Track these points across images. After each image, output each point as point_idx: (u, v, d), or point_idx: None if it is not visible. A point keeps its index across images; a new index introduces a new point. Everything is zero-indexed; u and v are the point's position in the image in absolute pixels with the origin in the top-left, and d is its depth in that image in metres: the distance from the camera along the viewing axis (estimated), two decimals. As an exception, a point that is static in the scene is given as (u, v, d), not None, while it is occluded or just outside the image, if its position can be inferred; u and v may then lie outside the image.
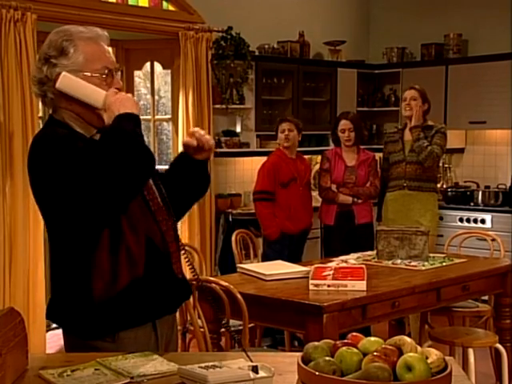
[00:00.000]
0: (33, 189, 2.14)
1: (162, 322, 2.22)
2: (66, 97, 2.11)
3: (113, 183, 1.94)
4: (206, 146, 2.34)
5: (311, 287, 3.55)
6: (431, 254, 4.45)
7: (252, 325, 4.16)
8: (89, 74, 2.11)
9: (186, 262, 2.25)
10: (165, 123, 6.93)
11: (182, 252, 2.27)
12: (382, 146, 5.69)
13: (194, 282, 3.24)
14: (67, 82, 2.09)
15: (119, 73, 2.21)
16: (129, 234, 2.09)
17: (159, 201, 2.22)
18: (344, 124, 5.40)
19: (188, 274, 2.46)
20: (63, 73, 2.09)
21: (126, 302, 2.10)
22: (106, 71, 2.13)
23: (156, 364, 1.93)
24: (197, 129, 2.35)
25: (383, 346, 1.64)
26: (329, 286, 3.54)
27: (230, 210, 6.42)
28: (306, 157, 5.87)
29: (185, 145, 2.33)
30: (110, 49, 2.21)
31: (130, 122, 2.01)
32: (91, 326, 2.11)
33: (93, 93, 2.09)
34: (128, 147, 1.97)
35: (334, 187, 5.42)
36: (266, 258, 5.21)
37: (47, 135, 2.11)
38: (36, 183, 2.11)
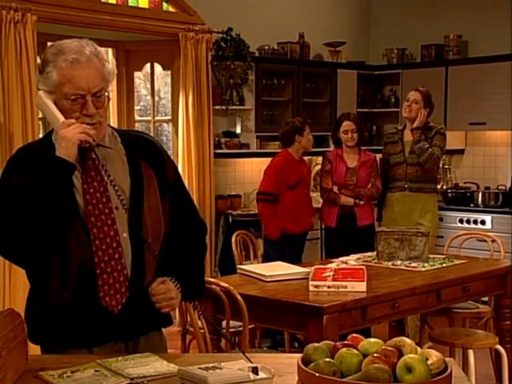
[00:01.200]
0: None
1: (105, 350, 2.14)
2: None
3: (25, 227, 2.02)
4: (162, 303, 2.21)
5: (311, 288, 3.55)
6: (431, 255, 4.45)
7: (252, 326, 4.16)
8: (58, 97, 2.10)
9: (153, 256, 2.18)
10: (165, 124, 6.93)
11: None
12: (382, 147, 5.69)
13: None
14: (38, 101, 2.14)
15: (105, 96, 2.12)
16: (56, 262, 2.09)
17: (116, 228, 2.13)
18: (347, 125, 5.40)
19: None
20: (39, 92, 2.13)
21: (54, 324, 2.13)
22: (74, 97, 2.07)
23: (156, 365, 1.93)
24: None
25: (383, 347, 1.63)
26: (329, 287, 3.54)
27: (229, 211, 6.42)
28: (306, 158, 5.88)
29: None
30: (100, 68, 2.10)
31: (55, 173, 2.04)
32: (35, 339, 2.18)
33: (52, 118, 2.12)
34: (44, 202, 2.01)
35: (335, 189, 5.42)
36: (267, 257, 5.22)
37: (15, 152, 2.25)
38: None
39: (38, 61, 5.41)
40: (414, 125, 5.29)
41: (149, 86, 6.69)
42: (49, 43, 5.81)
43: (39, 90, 2.13)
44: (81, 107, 2.09)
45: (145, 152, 2.24)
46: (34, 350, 2.15)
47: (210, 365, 1.82)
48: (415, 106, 5.29)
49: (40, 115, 5.44)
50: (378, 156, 5.70)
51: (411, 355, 1.58)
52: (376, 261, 4.36)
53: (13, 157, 2.21)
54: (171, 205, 2.26)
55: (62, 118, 2.08)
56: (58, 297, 2.11)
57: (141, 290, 2.17)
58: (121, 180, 2.16)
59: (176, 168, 2.36)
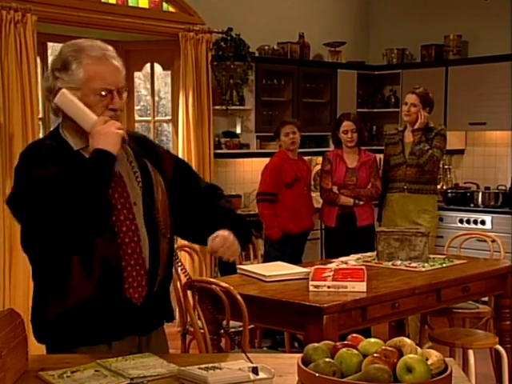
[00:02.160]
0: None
1: (122, 345, 2.17)
2: (63, 111, 2.14)
3: (65, 223, 2.00)
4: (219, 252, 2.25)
5: (311, 288, 3.55)
6: (431, 255, 4.44)
7: (252, 326, 4.16)
8: (87, 92, 2.11)
9: (178, 264, 2.23)
10: (165, 124, 6.93)
11: (174, 254, 2.26)
12: (382, 147, 5.69)
13: (195, 283, 3.25)
14: (63, 99, 2.12)
15: (125, 92, 2.20)
16: (79, 259, 2.09)
17: (136, 222, 2.18)
18: (346, 125, 5.40)
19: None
20: (62, 90, 2.11)
21: (76, 320, 2.12)
22: (104, 92, 2.12)
23: (156, 365, 1.93)
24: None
25: (383, 347, 1.63)
26: (329, 287, 3.54)
27: (230, 211, 6.40)
28: (306, 158, 5.88)
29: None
30: (120, 66, 2.18)
31: (102, 164, 2.05)
32: (49, 340, 2.18)
33: (83, 116, 2.11)
34: (87, 196, 2.01)
35: (335, 189, 5.42)
36: (268, 257, 5.23)
37: (30, 147, 2.19)
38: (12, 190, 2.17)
39: (38, 61, 5.43)
40: (415, 126, 5.29)
41: (149, 86, 6.69)
42: (49, 43, 5.85)
43: (59, 89, 2.11)
44: (107, 103, 2.14)
45: (147, 151, 2.32)
46: (34, 349, 2.15)
47: (210, 365, 1.82)
48: (414, 109, 5.28)
49: (40, 115, 5.45)
50: (379, 156, 5.71)
51: (411, 355, 1.58)
52: (376, 261, 4.36)
53: (30, 151, 2.16)
54: (173, 197, 2.32)
55: (94, 115, 2.10)
56: (82, 291, 2.10)
57: (155, 283, 2.22)
58: (131, 177, 2.22)
59: (173, 157, 2.44)
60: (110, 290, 2.13)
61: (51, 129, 2.26)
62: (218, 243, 2.20)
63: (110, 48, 2.18)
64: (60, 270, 2.10)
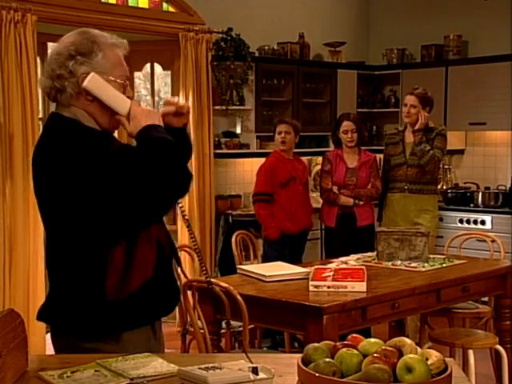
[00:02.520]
0: (42, 190, 2.10)
1: (158, 324, 2.25)
2: (88, 96, 2.10)
3: (150, 191, 1.96)
4: (185, 108, 2.28)
5: (311, 288, 3.55)
6: (431, 256, 4.45)
7: (252, 326, 4.16)
8: (112, 78, 2.12)
9: (200, 263, 2.29)
10: (165, 124, 6.92)
11: (197, 251, 2.36)
12: (382, 147, 5.69)
13: (195, 283, 3.25)
14: (95, 82, 2.09)
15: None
16: (143, 238, 2.11)
17: None
18: (347, 125, 5.39)
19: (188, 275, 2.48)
20: (92, 73, 2.09)
21: (136, 303, 2.11)
22: (123, 79, 2.16)
23: (156, 365, 1.93)
24: (173, 98, 2.32)
25: (383, 347, 1.63)
26: (329, 287, 3.54)
27: (229, 211, 6.42)
28: (306, 158, 5.88)
29: (163, 115, 2.23)
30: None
31: (162, 133, 2.05)
32: (97, 325, 2.09)
33: (119, 99, 2.11)
34: (167, 159, 1.99)
35: (335, 189, 5.42)
36: (267, 257, 5.22)
37: (73, 129, 2.08)
38: (49, 184, 2.07)
39: (38, 61, 5.43)
40: (416, 127, 5.28)
41: (149, 85, 6.69)
42: (49, 43, 5.85)
43: (85, 74, 2.08)
44: (125, 90, 2.16)
45: None
46: (34, 350, 2.15)
47: (210, 365, 1.81)
48: (413, 110, 5.28)
49: (40, 115, 5.45)
50: (379, 156, 5.71)
51: (411, 355, 1.58)
52: (376, 261, 4.36)
53: (74, 133, 2.06)
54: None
55: (128, 99, 2.12)
56: (146, 271, 2.11)
57: None
58: None
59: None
60: (167, 269, 2.20)
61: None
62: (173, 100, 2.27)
63: (115, 36, 2.22)
64: (126, 250, 2.07)
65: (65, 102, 2.13)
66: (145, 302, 2.13)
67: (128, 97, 2.16)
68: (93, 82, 2.09)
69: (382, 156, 5.64)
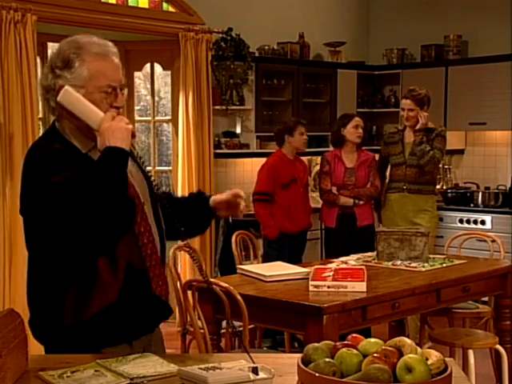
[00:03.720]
0: (20, 204, 2.12)
1: (139, 343, 2.19)
2: (67, 110, 2.09)
3: (92, 226, 1.95)
4: (239, 211, 2.37)
5: (311, 288, 3.55)
6: (431, 255, 4.45)
7: (252, 326, 4.16)
8: (91, 90, 2.08)
9: (195, 264, 2.27)
10: (165, 124, 6.93)
11: (192, 252, 2.32)
12: (381, 147, 5.69)
13: (195, 283, 3.25)
14: (68, 97, 2.07)
15: (125, 90, 2.18)
16: (106, 261, 2.06)
17: (149, 222, 2.20)
18: (358, 120, 5.44)
19: (189, 275, 2.47)
20: (66, 87, 2.06)
21: (100, 325, 2.09)
22: (109, 89, 2.09)
23: (156, 365, 1.93)
24: (241, 193, 2.36)
25: (383, 347, 1.63)
26: (329, 287, 3.54)
27: (230, 211, 6.41)
28: (305, 158, 5.88)
29: (217, 202, 2.35)
30: (119, 64, 2.16)
31: (116, 162, 2.00)
32: (62, 346, 2.11)
33: (90, 113, 2.07)
34: (110, 196, 1.97)
35: (334, 190, 5.43)
36: (267, 257, 5.23)
37: (37, 153, 2.10)
38: (22, 202, 2.10)
39: (38, 61, 5.42)
40: (417, 127, 5.29)
41: (149, 85, 6.69)
42: (49, 43, 5.85)
43: (61, 87, 2.07)
44: (112, 100, 2.11)
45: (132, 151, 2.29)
46: (34, 350, 2.15)
47: (210, 365, 1.82)
48: (412, 113, 5.28)
49: (40, 115, 5.44)
50: (377, 156, 5.71)
51: (411, 355, 1.58)
52: (376, 261, 4.36)
53: (43, 155, 2.07)
54: None
55: (101, 112, 2.07)
56: (108, 294, 2.08)
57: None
58: (139, 175, 2.23)
59: None
60: (137, 292, 2.14)
61: (49, 126, 2.21)
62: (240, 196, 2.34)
63: (110, 43, 2.15)
64: (86, 274, 2.05)
65: (54, 114, 2.17)
66: (111, 324, 2.10)
67: (116, 107, 2.11)
68: (65, 96, 2.07)
69: (379, 154, 5.65)
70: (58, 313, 2.07)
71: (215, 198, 2.38)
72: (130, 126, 2.08)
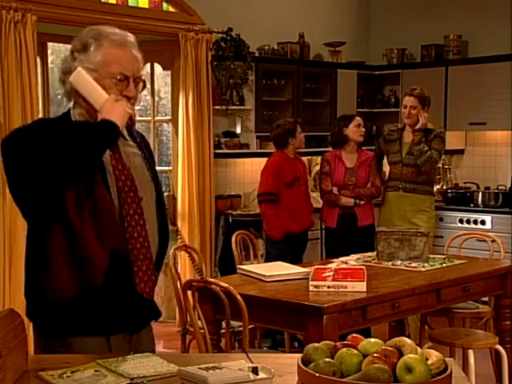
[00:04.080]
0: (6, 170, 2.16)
1: (118, 339, 2.18)
2: (76, 91, 2.15)
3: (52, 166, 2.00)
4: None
5: (311, 288, 3.55)
6: (431, 255, 4.45)
7: (252, 326, 4.16)
8: (103, 75, 2.13)
9: (194, 266, 2.28)
10: (165, 124, 6.93)
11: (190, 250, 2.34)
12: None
13: (195, 283, 3.25)
14: (78, 77, 2.13)
15: (141, 83, 2.22)
16: (93, 243, 2.08)
17: (144, 217, 2.20)
18: (358, 120, 5.47)
19: (188, 275, 2.47)
20: (78, 68, 2.13)
21: (78, 309, 2.11)
22: (120, 77, 2.14)
23: (156, 365, 1.93)
24: None
25: (383, 347, 1.63)
26: (329, 287, 3.54)
27: (229, 211, 6.42)
28: (305, 158, 5.89)
29: None
30: (139, 57, 2.20)
31: (99, 130, 2.07)
32: (46, 324, 2.14)
33: (96, 94, 2.12)
34: (69, 148, 2.02)
35: (335, 190, 5.43)
36: (270, 257, 5.23)
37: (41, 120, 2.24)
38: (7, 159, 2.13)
39: (38, 61, 5.43)
40: (417, 127, 5.29)
41: (149, 85, 6.68)
42: (49, 43, 5.85)
43: (75, 68, 2.13)
44: (122, 88, 2.15)
45: (146, 146, 2.36)
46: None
47: (210, 365, 1.82)
48: (414, 111, 5.28)
49: (40, 115, 5.44)
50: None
51: (411, 355, 1.58)
52: (376, 261, 4.36)
53: (37, 120, 2.20)
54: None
55: (106, 94, 2.12)
56: (93, 276, 2.09)
57: (157, 279, 2.26)
58: (143, 170, 2.25)
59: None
60: (120, 283, 2.14)
61: (67, 109, 2.27)
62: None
63: (131, 35, 2.20)
64: (76, 252, 2.08)
65: (67, 97, 2.23)
66: (89, 310, 2.12)
67: (126, 96, 2.15)
68: (76, 76, 2.13)
69: (375, 149, 5.67)
70: (45, 287, 2.11)
71: None
72: (131, 111, 2.14)
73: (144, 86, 2.24)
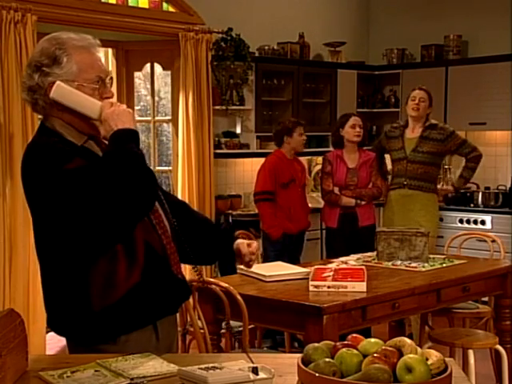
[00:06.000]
0: (28, 201, 2.13)
1: (163, 323, 2.23)
2: (58, 106, 2.10)
3: (117, 206, 1.97)
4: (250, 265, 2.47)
5: (311, 288, 3.55)
6: (431, 255, 4.44)
7: (252, 326, 4.16)
8: (82, 83, 2.10)
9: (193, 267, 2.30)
10: (165, 124, 6.92)
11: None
12: (382, 142, 5.69)
13: (195, 283, 3.25)
14: (61, 91, 2.08)
15: (111, 81, 2.21)
16: (127, 242, 2.09)
17: (160, 213, 2.24)
18: (355, 119, 5.43)
19: (188, 275, 2.48)
20: (57, 82, 2.08)
21: (126, 308, 2.11)
22: (99, 80, 2.13)
23: (156, 365, 1.93)
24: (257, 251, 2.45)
25: (383, 347, 1.63)
26: (329, 287, 3.54)
27: (229, 211, 6.42)
28: (305, 158, 5.89)
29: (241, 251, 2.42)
30: (102, 56, 2.21)
31: (130, 141, 2.03)
32: (92, 333, 2.12)
33: (87, 103, 2.09)
34: (133, 170, 1.99)
35: (336, 190, 5.42)
36: (267, 257, 5.22)
37: (40, 146, 2.10)
38: (32, 198, 2.11)
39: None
40: (426, 124, 5.36)
41: (149, 86, 6.68)
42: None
43: (51, 83, 2.08)
44: (102, 92, 2.14)
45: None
46: (34, 350, 2.16)
47: (210, 365, 1.82)
48: (423, 104, 5.35)
49: (40, 116, 5.44)
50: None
51: (411, 355, 1.58)
52: (376, 261, 4.36)
53: (46, 148, 2.07)
54: None
55: (97, 101, 2.10)
56: (131, 276, 2.10)
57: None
58: None
59: None
60: (160, 272, 2.17)
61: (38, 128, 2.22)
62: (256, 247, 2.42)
63: (90, 36, 2.18)
64: (107, 260, 2.07)
65: (42, 113, 2.18)
66: (136, 306, 2.13)
67: (106, 97, 2.14)
68: (58, 91, 2.08)
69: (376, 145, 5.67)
70: (86, 301, 2.08)
71: (238, 246, 2.43)
72: (131, 110, 2.13)
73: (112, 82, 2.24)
